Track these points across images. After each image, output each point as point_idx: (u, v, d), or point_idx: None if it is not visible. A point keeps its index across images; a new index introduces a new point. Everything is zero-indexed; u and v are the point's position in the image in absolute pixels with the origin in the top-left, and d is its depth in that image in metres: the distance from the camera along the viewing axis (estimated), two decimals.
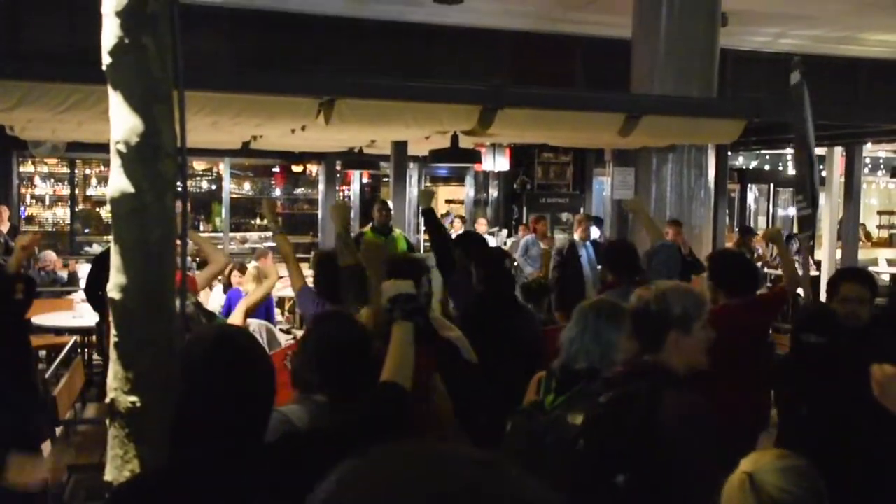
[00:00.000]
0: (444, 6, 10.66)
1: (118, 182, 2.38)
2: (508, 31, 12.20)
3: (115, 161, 2.38)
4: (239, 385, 1.81)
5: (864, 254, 12.85)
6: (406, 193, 8.47)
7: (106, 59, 2.36)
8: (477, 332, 3.77)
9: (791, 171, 15.08)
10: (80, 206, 13.26)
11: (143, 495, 1.85)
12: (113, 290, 2.46)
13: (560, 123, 7.61)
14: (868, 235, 16.47)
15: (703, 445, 2.30)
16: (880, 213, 17.97)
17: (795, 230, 13.65)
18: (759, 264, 10.30)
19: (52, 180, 13.17)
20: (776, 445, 3.59)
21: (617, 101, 8.03)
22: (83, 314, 7.53)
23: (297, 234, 13.33)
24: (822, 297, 11.06)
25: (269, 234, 11.70)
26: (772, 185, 14.81)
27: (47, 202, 13.19)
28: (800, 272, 11.12)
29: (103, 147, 2.50)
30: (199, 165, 14.05)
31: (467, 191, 15.29)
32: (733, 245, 10.20)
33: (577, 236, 8.95)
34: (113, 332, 2.50)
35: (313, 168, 14.19)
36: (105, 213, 12.67)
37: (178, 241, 2.58)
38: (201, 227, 13.73)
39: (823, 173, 13.21)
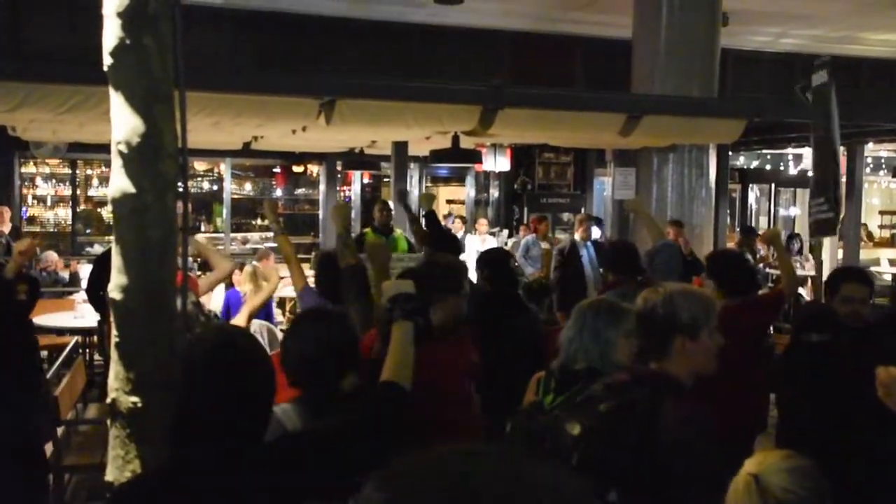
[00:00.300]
0: (444, 6, 10.67)
1: (119, 182, 2.38)
2: (509, 31, 12.21)
3: (116, 161, 2.38)
4: (239, 386, 1.81)
5: (865, 254, 12.84)
6: (412, 193, 8.48)
7: (107, 60, 2.37)
8: (482, 331, 3.78)
9: (793, 171, 15.08)
10: (82, 207, 13.28)
11: (144, 495, 1.86)
12: (114, 291, 2.47)
13: (561, 124, 7.61)
14: (870, 235, 16.46)
15: (702, 462, 2.24)
16: (882, 212, 17.96)
17: (804, 232, 13.65)
18: (760, 265, 10.29)
19: (54, 181, 13.18)
20: (777, 446, 3.58)
21: (617, 101, 8.03)
22: (84, 314, 7.54)
23: (298, 235, 13.34)
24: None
25: (271, 234, 11.72)
26: (773, 185, 14.79)
27: (49, 203, 13.19)
28: (805, 272, 11.12)
29: (104, 148, 2.50)
30: (200, 166, 14.05)
31: (468, 191, 15.29)
32: (735, 245, 10.20)
33: (577, 236, 8.95)
34: (114, 332, 2.50)
35: (314, 168, 14.20)
36: (106, 213, 12.67)
37: (179, 241, 2.59)
38: (202, 228, 13.74)
39: None
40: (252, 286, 7.22)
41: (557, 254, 9.01)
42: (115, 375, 2.50)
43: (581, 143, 11.21)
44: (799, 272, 10.47)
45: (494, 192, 15.00)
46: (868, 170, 14.51)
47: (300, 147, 11.20)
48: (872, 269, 11.58)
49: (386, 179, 13.88)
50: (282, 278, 9.12)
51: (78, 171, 13.17)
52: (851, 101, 12.95)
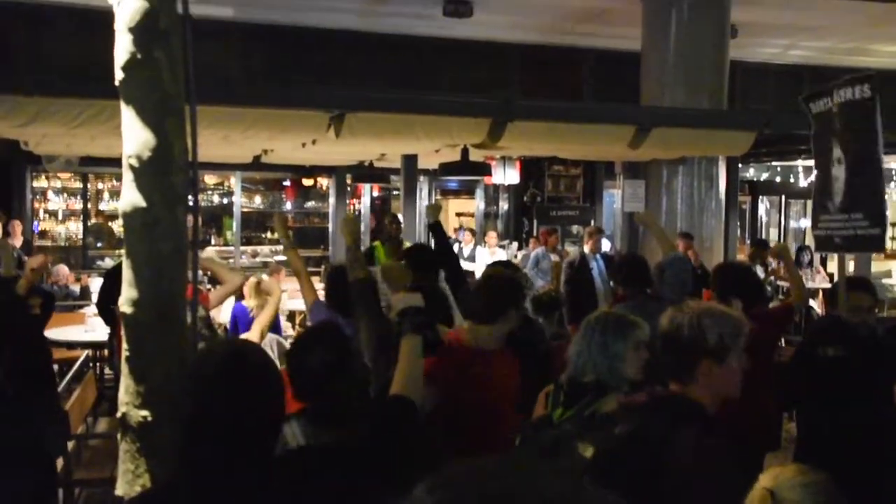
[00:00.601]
0: (453, 20, 10.71)
1: (130, 196, 2.39)
2: (518, 43, 12.24)
3: (128, 175, 2.40)
4: (249, 399, 1.80)
5: (876, 266, 12.76)
6: (416, 207, 8.49)
7: (119, 75, 2.38)
8: None
9: (803, 182, 15.03)
10: (93, 221, 13.34)
11: None
12: (125, 304, 2.47)
13: (570, 136, 7.61)
14: None
15: (718, 496, 2.14)
16: (893, 224, 17.87)
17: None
18: (771, 277, 10.25)
19: (65, 195, 13.25)
20: (796, 461, 3.54)
21: (627, 113, 8.03)
22: (95, 328, 7.55)
23: (307, 248, 13.36)
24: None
25: (281, 248, 11.74)
26: (783, 197, 14.74)
27: (60, 216, 13.26)
28: (815, 285, 11.06)
29: (116, 161, 2.51)
30: (210, 179, 14.11)
31: (478, 204, 15.30)
32: (747, 258, 10.17)
33: (587, 249, 8.93)
34: (124, 345, 2.51)
35: (324, 182, 14.23)
36: (117, 227, 12.73)
37: (190, 255, 2.59)
38: (213, 241, 13.78)
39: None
40: (257, 300, 7.24)
41: (567, 267, 8.99)
42: (126, 389, 2.50)
43: (590, 156, 11.21)
44: (809, 284, 10.43)
45: (504, 205, 15.01)
46: None
47: (310, 160, 11.24)
48: (884, 281, 11.52)
49: (396, 192, 13.90)
50: (284, 291, 9.16)
51: (89, 185, 13.25)
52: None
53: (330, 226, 13.94)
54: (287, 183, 14.42)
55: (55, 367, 7.37)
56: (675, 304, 2.53)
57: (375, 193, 15.18)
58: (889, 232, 17.60)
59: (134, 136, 2.36)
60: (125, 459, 2.51)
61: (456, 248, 12.00)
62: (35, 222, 12.79)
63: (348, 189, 14.22)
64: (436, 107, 7.08)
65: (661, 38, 9.39)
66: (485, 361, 3.42)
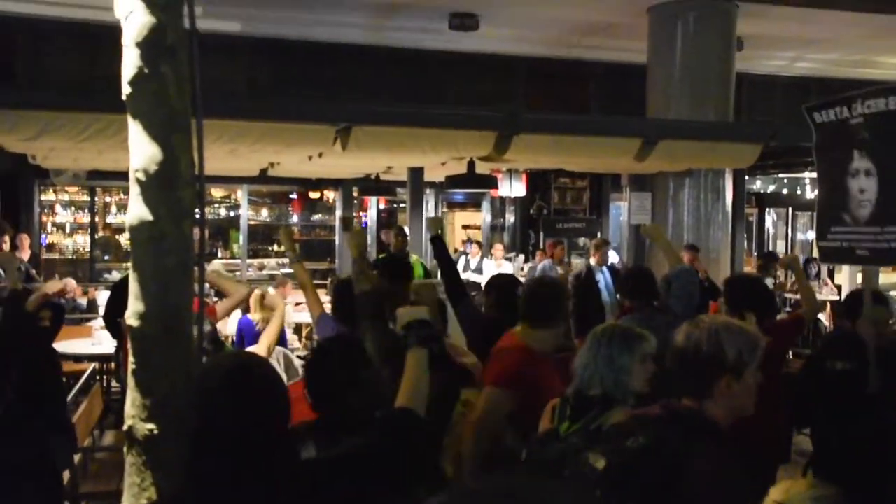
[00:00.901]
0: (459, 33, 10.75)
1: (137, 210, 2.39)
2: (524, 56, 12.28)
3: (134, 189, 2.40)
4: (255, 413, 1.80)
5: (884, 278, 12.71)
6: (423, 219, 8.49)
7: (126, 89, 2.39)
8: (487, 358, 3.75)
9: (810, 194, 15.00)
10: (100, 234, 13.39)
11: None
12: (131, 318, 2.47)
13: (576, 149, 7.62)
14: None
15: None
16: None
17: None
18: (777, 291, 10.22)
19: (73, 208, 13.31)
20: (814, 473, 3.52)
21: (633, 125, 8.04)
22: (102, 341, 7.56)
23: (314, 261, 13.38)
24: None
25: (287, 260, 11.75)
26: (790, 209, 14.71)
27: (68, 230, 13.31)
28: (823, 297, 11.03)
29: (123, 175, 2.53)
30: (217, 192, 14.16)
31: (484, 216, 15.31)
32: (757, 270, 10.15)
33: (593, 261, 8.92)
34: (131, 359, 2.50)
35: (330, 194, 14.27)
36: (124, 240, 12.77)
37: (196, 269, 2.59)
38: (219, 254, 13.81)
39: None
40: (262, 314, 7.24)
41: (573, 279, 8.97)
42: (132, 402, 2.50)
43: (597, 168, 11.22)
44: (816, 297, 10.38)
45: (510, 217, 15.02)
46: None
47: (316, 173, 11.28)
48: (892, 293, 11.46)
49: (402, 205, 13.92)
50: (298, 304, 9.14)
51: (97, 199, 13.31)
52: None
53: (336, 238, 13.97)
54: (294, 196, 14.46)
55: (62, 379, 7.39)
56: (682, 317, 2.52)
57: (382, 206, 15.20)
58: None
59: (141, 151, 2.37)
60: (131, 473, 2.50)
61: (462, 260, 12.00)
62: (43, 235, 12.85)
63: (355, 202, 14.25)
64: (442, 120, 7.11)
65: (667, 51, 9.41)
66: (546, 363, 3.49)
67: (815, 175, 14.30)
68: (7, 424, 3.30)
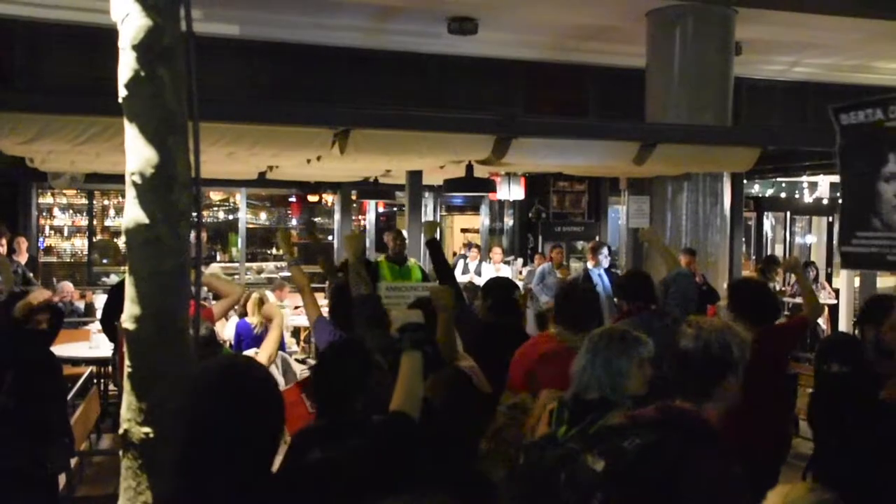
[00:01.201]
0: (458, 37, 10.75)
1: (133, 213, 2.39)
2: (522, 60, 12.29)
3: (131, 192, 2.40)
4: (247, 416, 1.79)
5: (882, 281, 12.70)
6: (421, 223, 8.47)
7: (122, 92, 2.39)
8: (483, 362, 3.75)
9: (808, 198, 15.02)
10: (98, 237, 13.38)
11: None
12: (127, 321, 2.47)
13: (574, 152, 7.62)
14: None
15: None
16: None
17: (819, 260, 13.55)
18: None
19: (71, 211, 13.30)
20: (814, 477, 3.52)
21: (631, 129, 8.04)
22: (99, 344, 7.55)
23: (312, 264, 13.33)
24: (842, 324, 10.92)
25: (285, 264, 11.74)
26: (788, 213, 14.72)
27: (66, 233, 13.30)
28: (821, 301, 11.03)
29: (121, 178, 2.53)
30: (215, 196, 14.15)
31: (482, 220, 15.31)
32: (758, 274, 10.15)
33: (590, 265, 8.92)
34: (127, 362, 2.50)
35: (329, 198, 14.26)
36: (122, 243, 12.76)
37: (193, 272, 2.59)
38: (218, 258, 13.80)
39: (840, 201, 13.14)
40: (260, 317, 7.24)
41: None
42: (128, 406, 2.49)
43: (595, 172, 11.22)
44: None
45: (509, 221, 15.02)
46: None
47: (315, 176, 11.27)
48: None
49: (400, 209, 13.92)
50: (296, 307, 9.12)
51: (95, 202, 13.30)
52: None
53: (335, 242, 13.96)
54: (293, 199, 14.46)
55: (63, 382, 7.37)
56: (680, 320, 2.52)
57: (380, 210, 15.20)
58: None
59: (137, 154, 2.37)
60: (127, 476, 2.50)
61: (461, 263, 12.00)
62: (41, 239, 12.83)
63: (353, 205, 14.25)
64: (440, 124, 7.11)
65: (665, 55, 9.42)
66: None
67: (813, 179, 14.25)
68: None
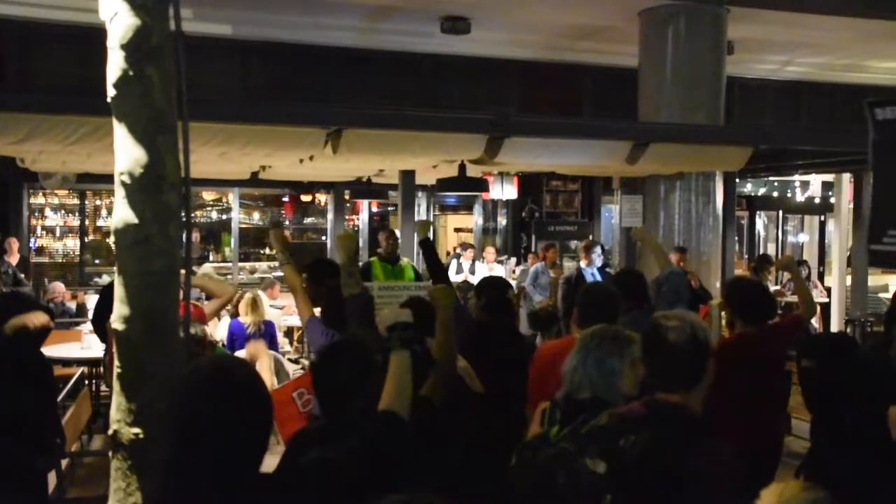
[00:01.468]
0: (451, 36, 10.74)
1: (122, 213, 2.38)
2: (516, 60, 12.29)
3: (119, 192, 2.39)
4: (234, 416, 1.79)
5: (873, 280, 12.76)
6: (414, 223, 8.47)
7: (111, 91, 2.38)
8: (476, 362, 3.74)
9: (800, 197, 15.06)
10: (90, 237, 13.33)
11: None
12: (116, 321, 2.46)
13: (567, 152, 7.62)
14: None
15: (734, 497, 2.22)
16: None
17: (812, 259, 13.59)
18: None
19: (63, 211, 13.25)
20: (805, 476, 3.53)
21: (623, 129, 8.04)
22: (91, 345, 7.52)
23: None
24: (834, 322, 10.95)
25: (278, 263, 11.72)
26: (780, 212, 14.77)
27: (58, 233, 13.25)
28: (817, 300, 11.07)
29: (113, 178, 2.51)
30: (208, 195, 14.12)
31: (476, 219, 15.31)
32: (751, 273, 10.17)
33: (583, 264, 8.92)
34: (116, 363, 2.49)
35: (322, 197, 14.25)
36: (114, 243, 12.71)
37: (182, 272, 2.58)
38: (210, 257, 13.77)
39: (832, 199, 13.19)
40: (252, 317, 7.24)
41: (564, 283, 8.97)
42: (117, 406, 2.49)
43: (588, 172, 11.23)
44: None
45: (502, 221, 15.02)
46: None
47: (308, 176, 11.25)
48: (880, 295, 11.51)
49: (393, 208, 13.91)
50: (279, 308, 9.11)
51: (87, 202, 13.25)
52: (857, 128, 13.01)
53: (328, 241, 13.95)
54: (286, 199, 14.44)
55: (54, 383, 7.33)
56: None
57: (374, 209, 15.19)
58: None
59: (126, 153, 2.36)
60: (116, 477, 2.49)
61: (454, 263, 11.99)
62: (32, 239, 12.78)
63: (347, 205, 14.23)
64: (432, 123, 7.10)
65: (658, 55, 9.43)
66: None
67: (805, 178, 14.26)
68: None
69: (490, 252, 12.17)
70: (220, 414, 1.77)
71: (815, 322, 10.84)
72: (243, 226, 13.88)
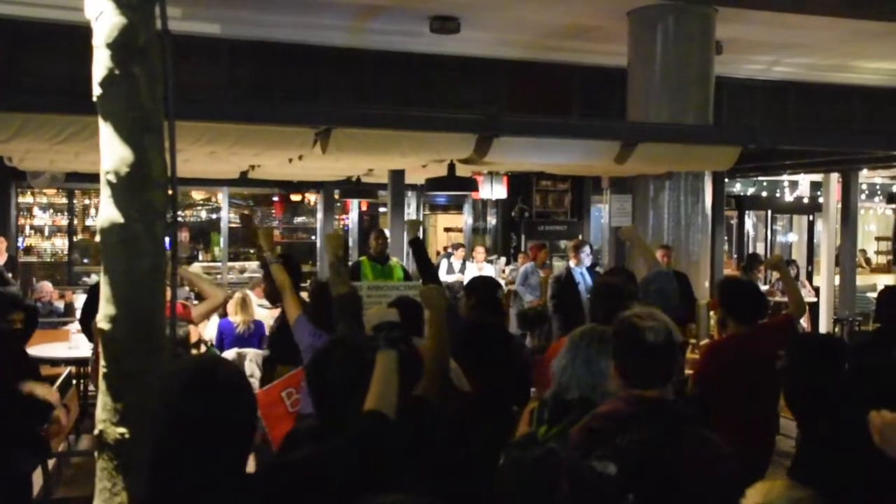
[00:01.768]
0: (441, 36, 10.74)
1: (108, 212, 2.38)
2: (505, 59, 12.29)
3: (105, 191, 2.38)
4: (218, 416, 1.78)
5: (862, 279, 12.84)
6: (403, 222, 8.47)
7: (97, 90, 2.37)
8: (465, 362, 3.74)
9: (789, 197, 15.12)
10: (79, 237, 13.26)
11: None
12: (102, 321, 2.45)
13: (556, 151, 7.63)
14: (868, 261, 16.47)
15: (729, 491, 2.24)
16: (878, 239, 17.98)
17: (801, 258, 13.65)
18: None
19: (51, 211, 13.19)
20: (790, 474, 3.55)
21: (612, 129, 8.06)
22: (79, 345, 7.49)
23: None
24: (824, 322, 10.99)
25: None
26: (769, 212, 14.83)
27: (46, 233, 13.18)
28: (805, 300, 11.13)
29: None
30: (197, 195, 14.07)
31: (466, 219, 15.32)
32: (741, 272, 10.20)
33: (572, 263, 8.94)
34: (102, 362, 2.48)
35: (311, 197, 14.23)
36: None
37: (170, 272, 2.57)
38: (200, 257, 13.73)
39: (820, 199, 13.25)
40: (242, 316, 7.22)
41: (553, 282, 8.99)
42: (103, 406, 2.48)
43: (577, 171, 11.25)
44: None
45: (492, 220, 15.03)
46: (863, 196, 14.54)
47: (297, 176, 11.24)
48: (869, 295, 11.57)
49: (383, 209, 13.91)
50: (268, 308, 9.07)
51: (75, 201, 13.19)
52: (844, 128, 13.09)
53: (318, 241, 13.93)
54: (276, 198, 14.41)
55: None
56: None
57: (363, 209, 15.18)
58: (875, 246, 17.76)
59: (112, 152, 2.35)
60: (102, 477, 2.49)
61: (445, 263, 12.00)
62: (20, 238, 12.71)
63: (337, 205, 14.21)
64: (421, 122, 7.10)
65: (646, 55, 9.45)
66: None
67: (794, 178, 14.29)
68: None
69: (480, 252, 12.19)
70: (203, 413, 1.76)
71: (804, 321, 10.88)
72: (233, 225, 13.85)
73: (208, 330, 7.50)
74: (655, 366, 2.47)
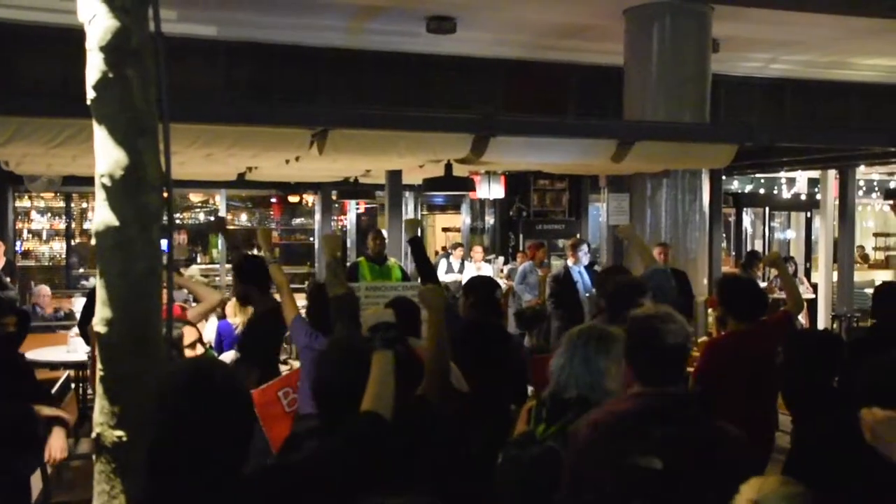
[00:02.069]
0: (437, 36, 10.74)
1: (103, 215, 2.38)
2: (501, 59, 12.29)
3: (100, 194, 2.38)
4: (214, 418, 1.78)
5: (860, 275, 12.85)
6: (401, 222, 8.47)
7: (90, 93, 2.37)
8: (463, 361, 3.74)
9: (786, 194, 15.13)
10: (77, 240, 13.25)
11: None
12: (98, 324, 2.45)
13: (553, 150, 7.63)
14: (865, 257, 16.48)
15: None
16: (876, 234, 18.00)
17: (798, 255, 13.66)
18: None
19: (49, 214, 13.17)
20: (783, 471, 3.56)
21: (608, 127, 8.06)
22: (77, 348, 7.49)
23: (292, 265, 13.32)
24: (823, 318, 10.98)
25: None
26: (767, 209, 14.83)
27: (44, 237, 13.17)
28: (807, 296, 11.12)
29: None
30: (195, 197, 14.06)
31: (463, 218, 15.32)
32: (740, 269, 10.20)
33: (570, 262, 8.95)
34: (99, 365, 2.48)
35: (309, 198, 14.23)
36: None
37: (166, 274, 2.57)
38: (198, 259, 13.71)
39: (818, 196, 13.26)
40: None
41: (552, 281, 8.99)
42: (100, 409, 2.48)
43: (574, 170, 11.25)
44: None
45: (490, 220, 15.02)
46: (861, 193, 14.55)
47: (295, 177, 11.23)
48: (866, 291, 11.58)
49: (381, 208, 13.91)
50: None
51: (73, 205, 13.17)
52: (842, 125, 13.10)
53: (316, 242, 13.93)
54: (273, 200, 14.41)
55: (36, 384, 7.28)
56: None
57: (361, 210, 15.17)
58: (873, 243, 17.77)
59: (106, 155, 2.35)
60: (100, 480, 2.49)
61: (444, 262, 11.99)
62: (18, 242, 12.69)
63: (334, 205, 14.21)
64: (417, 123, 7.10)
65: (643, 53, 9.45)
66: None
67: (791, 175, 14.31)
68: None
69: (478, 251, 12.18)
70: (200, 414, 1.77)
71: (802, 318, 10.89)
72: (231, 227, 13.83)
73: (207, 331, 7.50)
74: (675, 364, 2.55)
